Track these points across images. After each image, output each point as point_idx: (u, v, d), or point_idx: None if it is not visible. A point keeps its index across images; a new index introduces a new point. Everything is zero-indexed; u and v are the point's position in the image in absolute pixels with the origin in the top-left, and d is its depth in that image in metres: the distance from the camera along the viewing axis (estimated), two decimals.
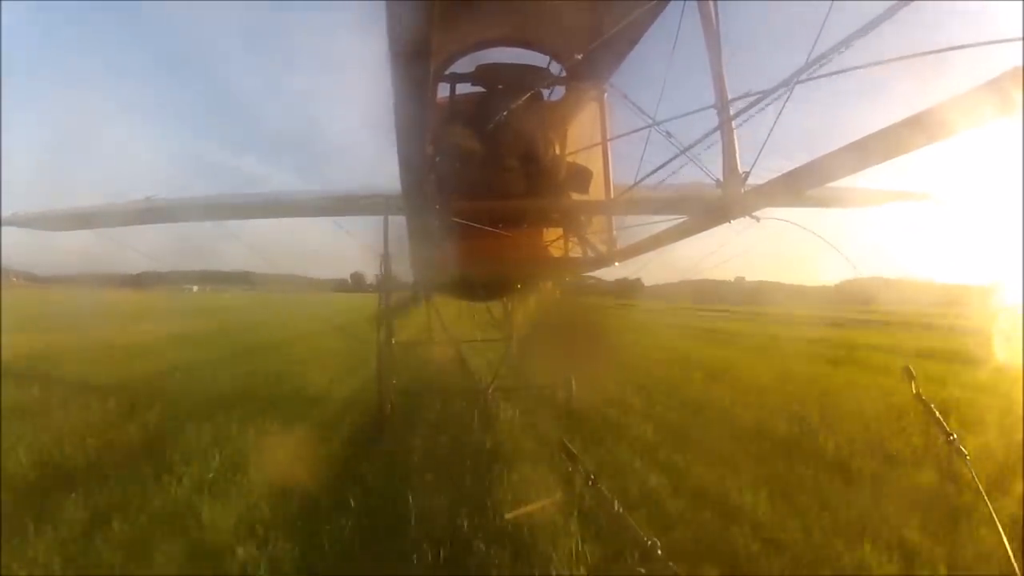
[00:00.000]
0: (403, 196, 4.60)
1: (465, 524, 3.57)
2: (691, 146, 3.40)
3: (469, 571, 3.13)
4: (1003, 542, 1.29)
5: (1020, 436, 5.03)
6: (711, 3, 3.04)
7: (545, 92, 4.67)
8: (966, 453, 1.42)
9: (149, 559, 3.13)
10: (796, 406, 6.85)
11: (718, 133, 3.04)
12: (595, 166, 4.68)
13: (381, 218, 6.20)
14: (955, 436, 1.42)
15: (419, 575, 3.08)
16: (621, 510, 1.31)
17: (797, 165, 2.62)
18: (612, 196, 4.69)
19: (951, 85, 2.03)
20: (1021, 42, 1.76)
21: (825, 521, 3.65)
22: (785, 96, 2.70)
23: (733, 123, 2.95)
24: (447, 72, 4.44)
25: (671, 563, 1.26)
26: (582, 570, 3.08)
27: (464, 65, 4.46)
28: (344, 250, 7.57)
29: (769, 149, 2.85)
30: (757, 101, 2.83)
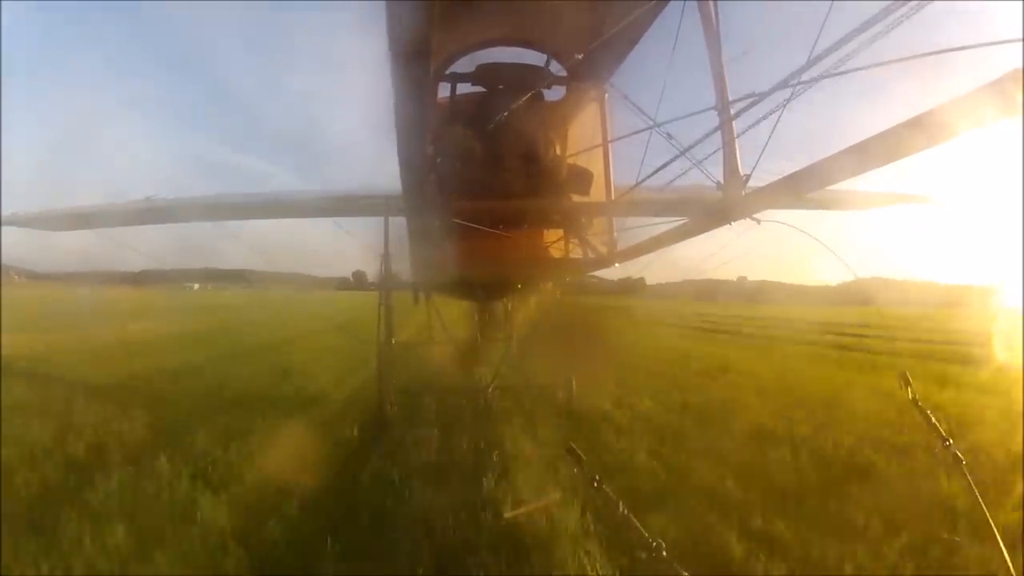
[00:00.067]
0: (403, 196, 4.57)
1: (465, 523, 3.57)
2: (691, 147, 3.39)
3: (470, 571, 3.13)
4: (999, 546, 1.29)
5: (1021, 436, 5.01)
6: (711, 3, 3.04)
7: (546, 92, 4.65)
8: (963, 458, 1.41)
9: (149, 559, 3.12)
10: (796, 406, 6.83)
11: (718, 134, 3.04)
12: (596, 167, 4.67)
13: (381, 218, 6.21)
14: (951, 441, 1.42)
15: (419, 575, 3.09)
16: (626, 512, 1.30)
17: (797, 166, 2.62)
18: (612, 197, 4.69)
19: (951, 86, 2.03)
20: (1021, 43, 1.75)
21: (824, 522, 3.64)
22: (786, 97, 2.70)
23: (734, 124, 2.94)
24: (447, 72, 4.43)
25: (675, 564, 1.26)
26: (587, 571, 3.08)
27: (464, 65, 4.45)
28: (344, 250, 7.55)
29: (769, 150, 2.85)
30: (757, 102, 2.82)
